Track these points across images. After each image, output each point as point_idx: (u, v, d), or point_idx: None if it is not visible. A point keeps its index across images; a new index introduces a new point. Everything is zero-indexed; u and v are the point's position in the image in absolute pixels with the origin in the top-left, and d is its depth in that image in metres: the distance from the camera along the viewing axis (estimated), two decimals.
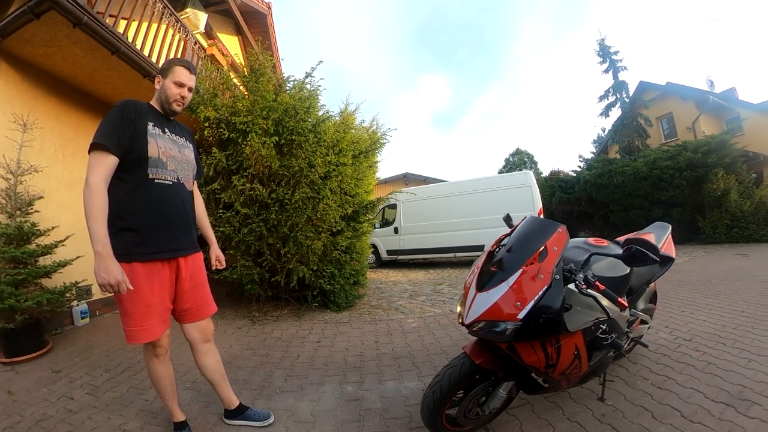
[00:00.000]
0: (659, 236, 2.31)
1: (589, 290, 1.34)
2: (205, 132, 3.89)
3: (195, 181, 1.78)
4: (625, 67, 14.44)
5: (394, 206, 9.16)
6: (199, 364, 1.77)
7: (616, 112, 14.82)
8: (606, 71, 14.73)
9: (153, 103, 1.63)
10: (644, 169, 10.31)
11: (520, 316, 1.27)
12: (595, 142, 22.05)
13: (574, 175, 13.39)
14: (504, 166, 29.97)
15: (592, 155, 16.68)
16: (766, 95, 27.18)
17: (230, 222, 3.77)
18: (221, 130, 3.83)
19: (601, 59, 14.76)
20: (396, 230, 9.13)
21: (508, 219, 2.07)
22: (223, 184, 3.94)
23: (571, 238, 1.59)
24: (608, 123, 15.17)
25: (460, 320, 1.46)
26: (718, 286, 4.29)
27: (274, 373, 2.53)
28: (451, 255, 8.40)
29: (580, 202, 12.27)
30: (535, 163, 29.57)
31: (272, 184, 3.79)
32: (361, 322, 3.79)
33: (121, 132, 1.41)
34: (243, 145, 3.72)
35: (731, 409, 1.75)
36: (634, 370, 2.28)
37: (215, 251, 1.92)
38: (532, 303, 1.28)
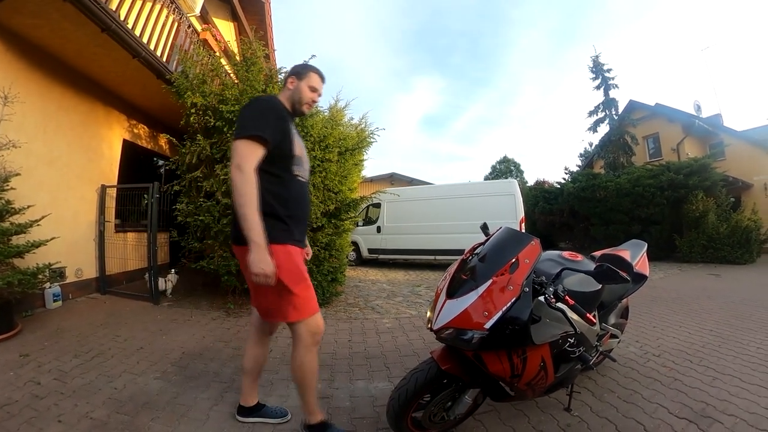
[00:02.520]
0: (635, 254, 2.34)
1: (558, 304, 1.36)
2: (191, 118, 3.80)
3: None
4: (616, 85, 14.67)
5: (378, 205, 9.16)
6: (254, 352, 1.78)
7: (604, 128, 15.03)
8: (597, 87, 14.95)
9: (284, 102, 1.66)
10: (627, 186, 10.56)
11: (487, 325, 1.29)
12: (581, 155, 22.38)
13: (559, 186, 13.57)
14: (490, 173, 30.32)
15: (578, 168, 17.00)
16: (750, 123, 28.20)
17: (210, 211, 3.68)
18: (207, 117, 3.74)
19: (594, 75, 14.96)
20: (378, 229, 9.13)
21: (485, 228, 2.07)
22: (206, 172, 3.86)
23: (551, 248, 1.60)
24: (596, 138, 15.48)
25: (429, 325, 1.48)
26: (691, 304, 4.41)
27: None
28: (432, 257, 8.43)
29: (562, 213, 12.46)
30: (522, 172, 30.09)
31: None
32: (336, 319, 3.75)
33: (276, 126, 1.46)
34: (228, 135, 3.64)
35: (693, 426, 1.79)
36: (601, 382, 2.31)
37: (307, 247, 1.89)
38: (499, 313, 1.30)
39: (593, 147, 16.47)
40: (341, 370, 2.48)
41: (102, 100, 4.95)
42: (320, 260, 4.16)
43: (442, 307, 1.43)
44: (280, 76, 4.11)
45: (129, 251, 5.20)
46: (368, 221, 9.43)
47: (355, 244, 8.97)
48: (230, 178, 1.55)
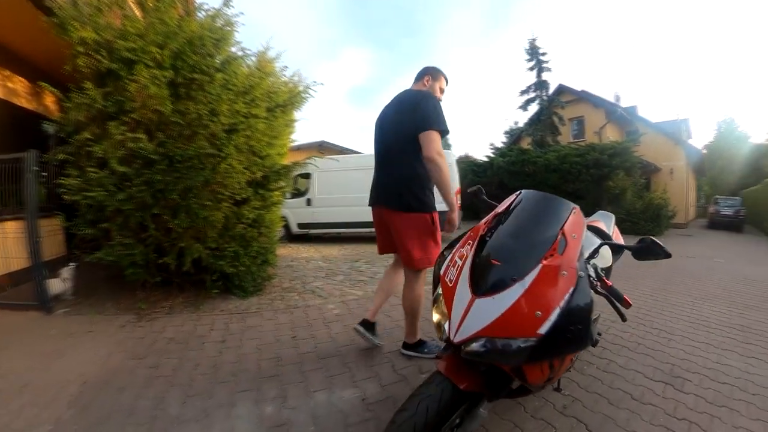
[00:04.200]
0: (607, 225, 2.38)
1: (601, 288, 1.20)
2: (79, 60, 2.93)
3: None
4: (549, 68, 16.12)
5: (307, 175, 8.73)
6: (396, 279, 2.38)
7: (533, 108, 16.52)
8: (531, 69, 16.26)
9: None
10: (555, 162, 11.89)
11: (543, 330, 1.02)
12: (506, 133, 25.07)
13: (488, 160, 14.88)
14: None
15: (503, 144, 18.48)
16: (661, 116, 33.84)
17: (103, 185, 2.93)
18: (100, 58, 2.91)
19: (530, 57, 16.23)
20: (309, 202, 8.75)
21: (478, 192, 1.86)
22: (98, 132, 3.04)
23: (477, 219, 1.46)
24: (525, 116, 17.30)
25: (443, 335, 1.15)
26: (625, 273, 4.84)
27: (169, 393, 1.92)
28: (368, 230, 8.32)
29: (491, 186, 13.38)
30: (449, 146, 31.80)
31: (161, 135, 3.03)
32: (273, 310, 3.30)
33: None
34: (127, 81, 2.87)
35: (670, 387, 1.99)
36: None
37: None
38: (557, 310, 1.04)
39: (522, 125, 18.02)
40: (292, 381, 2.06)
41: None
42: (247, 240, 3.63)
43: (468, 308, 1.10)
44: (200, 14, 3.40)
45: (10, 246, 3.93)
46: (297, 193, 8.93)
47: (283, 218, 8.49)
48: (431, 162, 1.88)
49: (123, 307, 3.33)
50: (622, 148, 11.23)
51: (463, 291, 1.15)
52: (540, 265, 1.09)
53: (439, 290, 1.27)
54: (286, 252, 6.92)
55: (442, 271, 1.30)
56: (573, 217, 1.26)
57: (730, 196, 18.14)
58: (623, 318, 1.26)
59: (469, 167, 14.84)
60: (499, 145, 18.19)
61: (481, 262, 1.19)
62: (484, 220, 1.40)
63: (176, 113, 3.04)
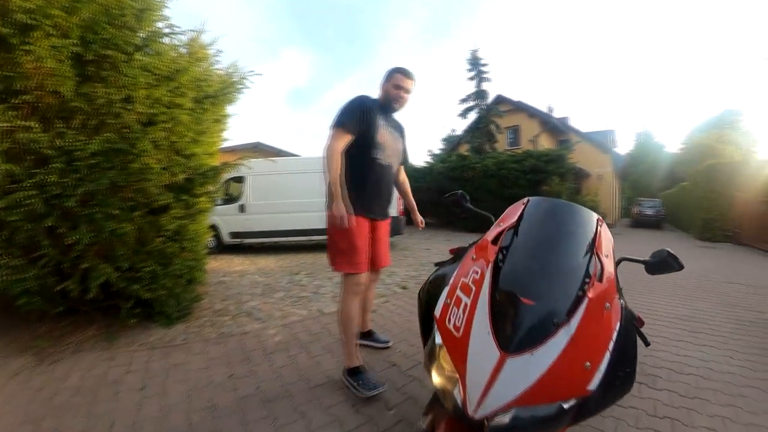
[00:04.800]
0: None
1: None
2: None
3: (401, 166, 2.50)
4: (489, 79, 17.08)
5: (240, 179, 8.12)
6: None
7: (472, 116, 17.38)
8: (472, 78, 17.16)
9: (380, 99, 2.21)
10: (494, 168, 12.61)
11: (592, 386, 0.83)
12: (444, 139, 26.14)
13: (427, 165, 15.52)
14: None
15: (440, 150, 19.20)
16: (590, 127, 38.59)
17: None
18: None
19: (471, 67, 17.09)
20: (242, 208, 8.10)
21: (460, 200, 1.67)
22: None
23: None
24: (464, 124, 18.36)
25: (458, 410, 0.86)
26: None
27: None
28: (306, 238, 8.01)
29: (430, 191, 13.86)
30: None
31: (60, 125, 2.47)
32: (203, 341, 2.82)
33: (359, 118, 2.03)
34: (19, 51, 2.29)
35: (644, 386, 2.10)
36: None
37: (417, 216, 2.66)
38: (607, 356, 0.85)
39: (460, 132, 18.82)
40: None
41: None
42: (167, 256, 3.11)
43: (496, 371, 0.83)
44: None
45: None
46: (228, 199, 8.28)
47: (213, 227, 7.73)
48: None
49: (18, 347, 2.66)
50: (557, 155, 12.15)
51: (485, 346, 0.87)
52: (586, 300, 0.89)
53: (437, 340, 0.96)
54: (217, 265, 6.27)
55: (438, 313, 0.99)
56: (602, 230, 1.09)
57: (650, 198, 21.26)
58: (646, 343, 1.12)
59: (409, 173, 15.03)
60: (437, 151, 19.03)
61: (505, 302, 0.91)
62: (489, 238, 1.13)
63: (80, 97, 2.49)
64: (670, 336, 2.88)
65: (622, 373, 0.90)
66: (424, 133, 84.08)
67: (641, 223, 17.76)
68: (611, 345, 0.88)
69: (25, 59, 2.33)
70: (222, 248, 8.26)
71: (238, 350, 2.65)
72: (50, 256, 2.58)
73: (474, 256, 1.09)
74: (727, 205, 11.28)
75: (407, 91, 2.18)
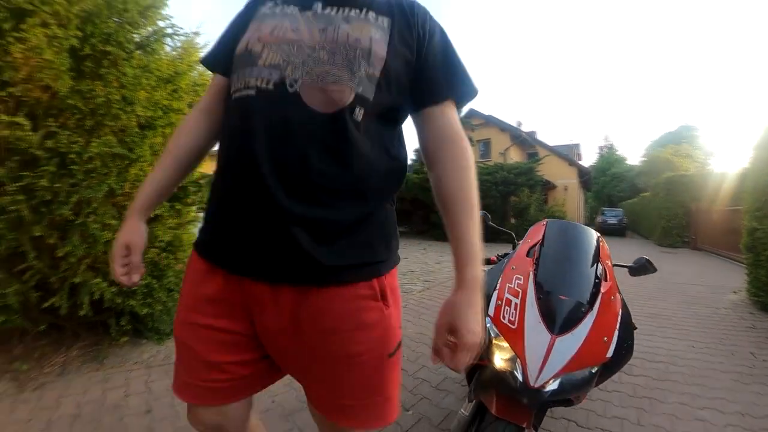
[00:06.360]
0: None
1: None
2: None
3: (429, 110, 0.83)
4: None
5: None
6: None
7: None
8: None
9: None
10: None
11: (609, 353, 1.15)
12: (416, 150, 26.39)
13: None
14: None
15: (412, 161, 19.89)
16: (556, 140, 41.81)
17: None
18: None
19: None
20: None
21: (484, 219, 1.91)
22: None
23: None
24: None
25: (519, 382, 1.10)
26: None
27: None
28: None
29: (403, 201, 14.38)
30: None
31: (51, 123, 2.34)
32: None
33: (227, 31, 0.88)
34: (11, 39, 2.20)
35: (623, 374, 2.34)
36: None
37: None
38: (616, 333, 1.19)
39: None
40: None
41: None
42: (161, 268, 3.08)
43: (549, 349, 1.11)
44: None
45: None
46: None
47: None
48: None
49: None
50: (527, 168, 12.89)
51: (538, 332, 1.15)
52: (600, 294, 1.23)
53: (492, 334, 1.21)
54: None
55: (492, 312, 1.26)
56: (603, 244, 1.47)
57: (613, 208, 22.62)
58: (634, 326, 1.49)
59: None
60: (409, 162, 19.51)
61: (547, 299, 1.22)
62: (522, 252, 1.47)
63: (76, 94, 2.37)
64: (641, 331, 3.17)
65: (626, 344, 1.24)
66: None
67: (605, 231, 18.64)
68: (618, 324, 1.21)
69: (14, 49, 2.18)
70: None
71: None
72: (36, 269, 2.40)
73: (514, 267, 1.39)
74: (684, 214, 12.39)
75: None
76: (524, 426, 1.13)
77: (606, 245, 1.50)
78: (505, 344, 1.17)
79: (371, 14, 0.76)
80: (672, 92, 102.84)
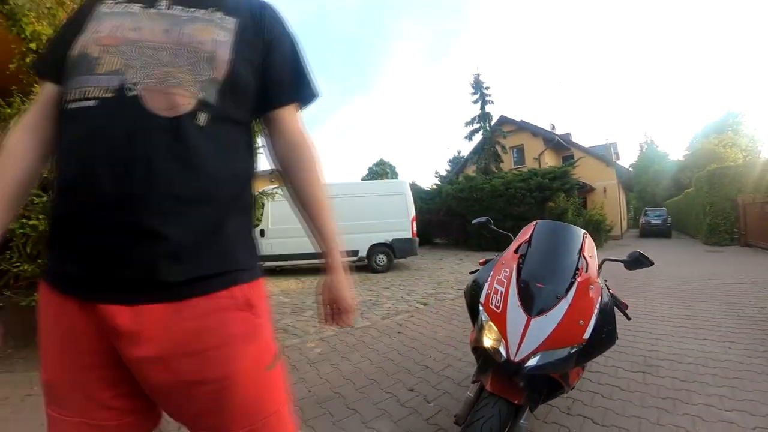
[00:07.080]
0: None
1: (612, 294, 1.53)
2: (27, 59, 2.64)
3: (279, 111, 0.84)
4: (492, 101, 17.74)
5: (260, 206, 8.59)
6: None
7: (477, 138, 17.97)
8: (476, 102, 17.83)
9: None
10: (501, 188, 12.89)
11: (586, 336, 1.28)
12: (450, 161, 26.70)
13: (436, 188, 16.09)
14: (367, 174, 34.09)
15: (447, 172, 19.74)
16: (592, 141, 39.60)
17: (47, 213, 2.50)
18: None
19: (474, 91, 17.79)
20: (262, 233, 8.52)
21: (487, 224, 2.15)
22: None
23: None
24: (469, 146, 18.93)
25: (503, 358, 1.28)
26: None
27: None
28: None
29: (439, 212, 14.33)
30: (397, 175, 33.88)
31: None
32: None
33: (61, 33, 0.81)
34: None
35: (648, 375, 2.38)
36: None
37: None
38: (594, 317, 1.31)
39: (465, 154, 19.41)
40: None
41: None
42: None
43: (525, 329, 1.29)
44: None
45: None
46: None
47: None
48: None
49: None
50: (561, 172, 12.41)
51: (517, 314, 1.34)
52: (576, 283, 1.37)
53: (484, 318, 1.42)
54: None
55: (483, 299, 1.47)
56: (587, 240, 1.59)
57: (657, 207, 20.97)
58: (628, 317, 1.63)
59: (418, 195, 15.57)
60: (443, 172, 19.62)
61: (526, 287, 1.40)
62: (512, 249, 1.65)
63: None
64: (673, 333, 3.16)
65: (606, 329, 1.36)
66: (427, 154, 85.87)
67: (649, 232, 17.60)
68: (595, 311, 1.33)
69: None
70: None
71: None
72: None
73: (503, 262, 1.57)
74: (731, 209, 11.30)
75: None
76: (516, 402, 1.28)
77: (590, 241, 1.63)
78: (494, 326, 1.36)
79: (218, 15, 0.75)
80: (714, 77, 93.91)
